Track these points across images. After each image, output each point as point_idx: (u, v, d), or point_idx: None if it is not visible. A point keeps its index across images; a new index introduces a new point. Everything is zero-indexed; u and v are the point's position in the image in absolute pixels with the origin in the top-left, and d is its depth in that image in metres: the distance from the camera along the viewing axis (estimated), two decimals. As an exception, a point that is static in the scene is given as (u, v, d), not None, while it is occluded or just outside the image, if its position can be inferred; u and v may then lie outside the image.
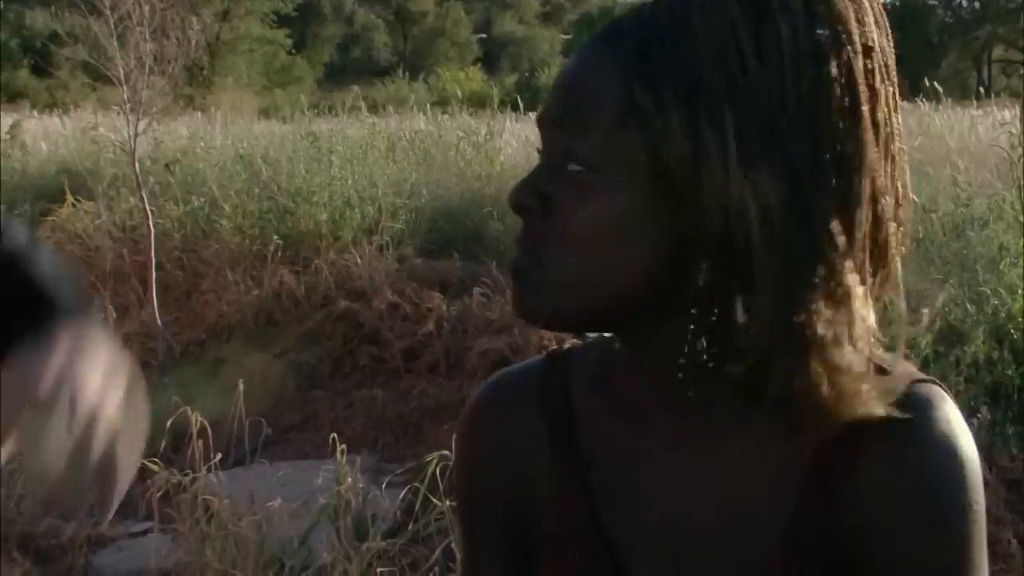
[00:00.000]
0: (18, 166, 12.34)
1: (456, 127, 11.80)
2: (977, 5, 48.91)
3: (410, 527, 4.74)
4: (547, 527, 1.11)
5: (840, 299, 0.93)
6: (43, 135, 14.49)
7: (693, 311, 0.95)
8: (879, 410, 0.94)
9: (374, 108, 14.44)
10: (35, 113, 19.58)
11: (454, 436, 1.23)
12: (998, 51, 48.66)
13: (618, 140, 0.95)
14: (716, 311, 0.94)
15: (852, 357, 0.94)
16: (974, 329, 5.30)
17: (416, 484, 4.75)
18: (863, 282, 0.95)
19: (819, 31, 0.94)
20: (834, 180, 0.93)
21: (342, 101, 13.23)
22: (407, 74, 40.28)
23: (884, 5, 1.00)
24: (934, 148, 9.53)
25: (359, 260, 8.11)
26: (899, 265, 0.99)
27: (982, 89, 25.02)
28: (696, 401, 1.01)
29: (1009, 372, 5.14)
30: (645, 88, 0.94)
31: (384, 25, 57.21)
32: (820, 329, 0.92)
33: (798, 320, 0.92)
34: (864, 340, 0.95)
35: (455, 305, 7.32)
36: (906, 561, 0.97)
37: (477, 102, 14.64)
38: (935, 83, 11.83)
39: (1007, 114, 7.82)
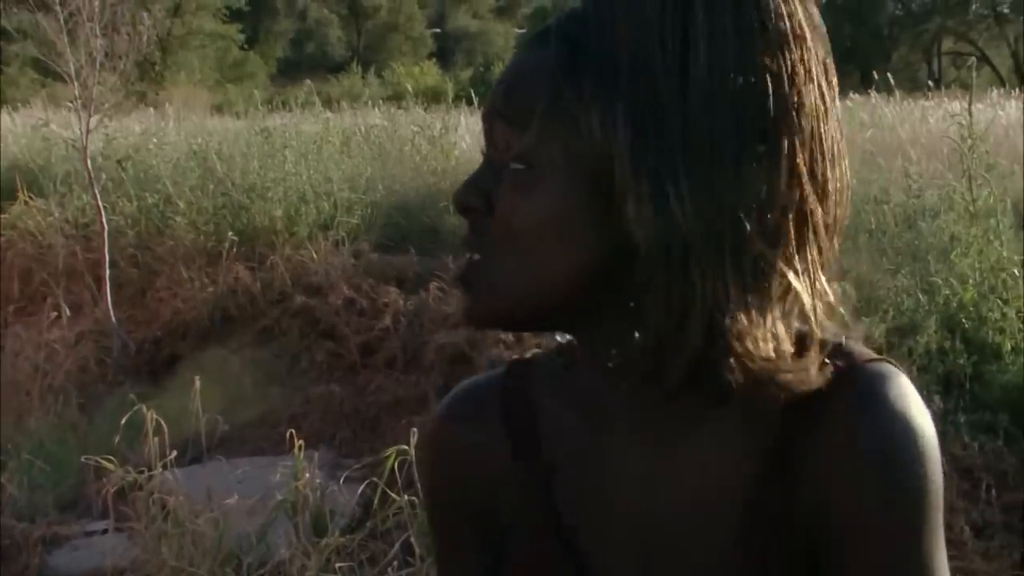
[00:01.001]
0: (-32, 164, 12.20)
1: (411, 122, 11.77)
2: (927, -2, 49.34)
3: (368, 522, 4.74)
4: (511, 535, 1.12)
5: (761, 289, 0.94)
6: (-7, 132, 14.33)
7: (631, 305, 0.95)
8: (816, 384, 0.95)
9: (328, 103, 14.38)
10: (-16, 110, 19.34)
11: (419, 450, 1.24)
12: (947, 43, 49.03)
13: (550, 135, 0.95)
14: (652, 308, 0.94)
15: (778, 343, 0.94)
16: (926, 319, 5.35)
17: (374, 479, 4.75)
18: (793, 271, 0.95)
19: (744, 19, 0.93)
20: (759, 173, 0.93)
21: (295, 96, 13.18)
22: (361, 69, 40.14)
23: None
24: (886, 140, 9.61)
25: (315, 256, 8.09)
26: (834, 249, 0.99)
27: (932, 82, 25.23)
28: (654, 398, 1.01)
29: (961, 361, 5.20)
30: (569, 86, 0.94)
31: (337, 20, 56.93)
32: (741, 319, 0.93)
33: (722, 313, 0.92)
34: (788, 325, 0.96)
35: (412, 300, 7.32)
36: (863, 532, 0.97)
37: (432, 97, 14.61)
38: (887, 75, 11.92)
39: (957, 106, 7.88)
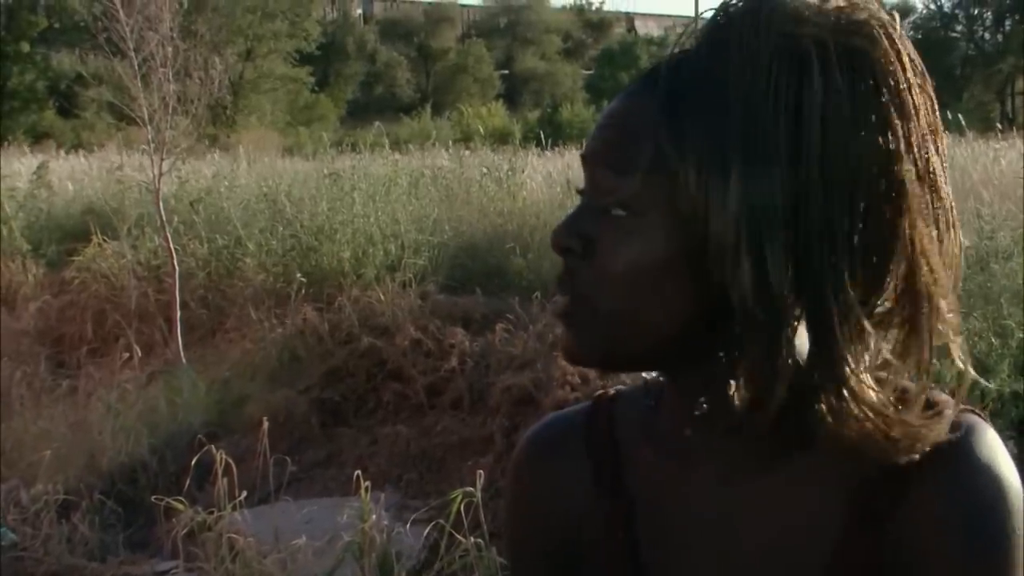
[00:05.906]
0: (44, 206, 12.42)
1: (478, 163, 11.82)
2: (1000, 38, 48.77)
3: (435, 565, 4.73)
4: (591, 569, 1.12)
5: (862, 348, 0.95)
6: (69, 175, 14.57)
7: (735, 353, 0.96)
8: (933, 442, 0.96)
9: (397, 145, 14.48)
10: (61, 154, 19.68)
11: (505, 480, 1.25)
12: (1021, 83, 48.46)
13: (653, 186, 0.96)
14: (748, 365, 0.95)
15: (879, 398, 0.95)
16: (999, 363, 5.27)
17: (441, 521, 4.74)
18: (887, 327, 0.97)
19: (861, 86, 0.92)
20: (871, 242, 0.93)
21: (365, 138, 13.27)
22: (430, 110, 40.40)
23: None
24: (957, 180, 9.50)
25: (382, 297, 8.13)
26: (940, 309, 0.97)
27: (1006, 122, 24.92)
28: (740, 439, 1.01)
29: (1035, 406, 5.11)
30: (671, 139, 0.95)
31: (406, 62, 57.31)
32: (845, 375, 0.94)
33: (831, 368, 0.93)
34: (896, 383, 0.97)
35: (478, 341, 7.32)
36: None
37: (500, 138, 14.68)
38: (958, 115, 11.80)
39: (1030, 146, 7.78)
